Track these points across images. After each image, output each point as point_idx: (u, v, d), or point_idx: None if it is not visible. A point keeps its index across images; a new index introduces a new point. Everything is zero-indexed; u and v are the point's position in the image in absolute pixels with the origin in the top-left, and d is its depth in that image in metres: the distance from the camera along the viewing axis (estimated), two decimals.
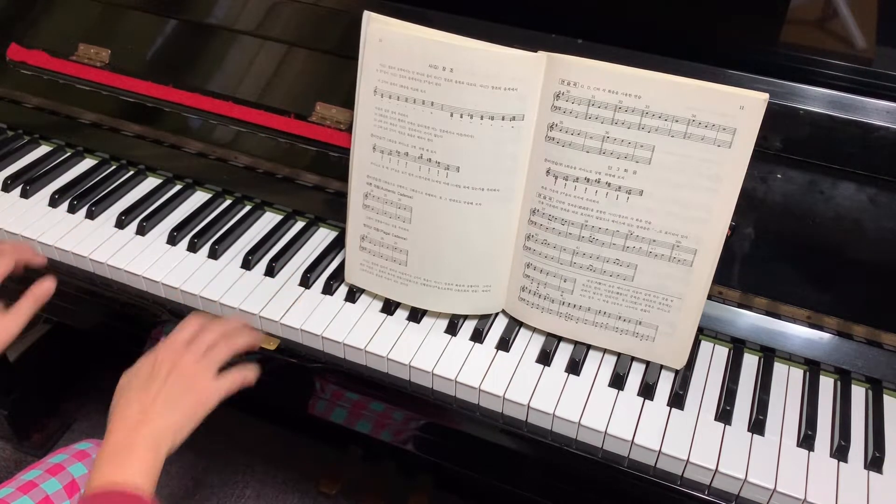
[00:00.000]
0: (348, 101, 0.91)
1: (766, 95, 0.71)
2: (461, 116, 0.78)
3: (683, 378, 0.83)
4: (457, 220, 0.83)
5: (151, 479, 0.71)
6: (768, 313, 0.86)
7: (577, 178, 0.79)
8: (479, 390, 0.82)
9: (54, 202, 1.05)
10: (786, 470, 0.76)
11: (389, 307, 0.91)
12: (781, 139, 0.82)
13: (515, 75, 0.77)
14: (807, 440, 0.78)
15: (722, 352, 0.88)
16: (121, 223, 1.02)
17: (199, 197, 1.08)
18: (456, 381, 0.83)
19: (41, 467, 0.89)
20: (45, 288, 0.86)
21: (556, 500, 0.88)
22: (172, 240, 1.00)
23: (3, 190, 1.08)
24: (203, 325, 0.82)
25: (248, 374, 0.80)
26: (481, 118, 0.78)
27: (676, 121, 0.74)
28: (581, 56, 0.76)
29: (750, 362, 0.87)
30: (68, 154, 1.14)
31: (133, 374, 0.78)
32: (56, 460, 0.87)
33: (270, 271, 0.95)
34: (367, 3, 0.86)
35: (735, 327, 0.87)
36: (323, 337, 0.87)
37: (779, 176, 0.83)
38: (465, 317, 0.89)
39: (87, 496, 0.69)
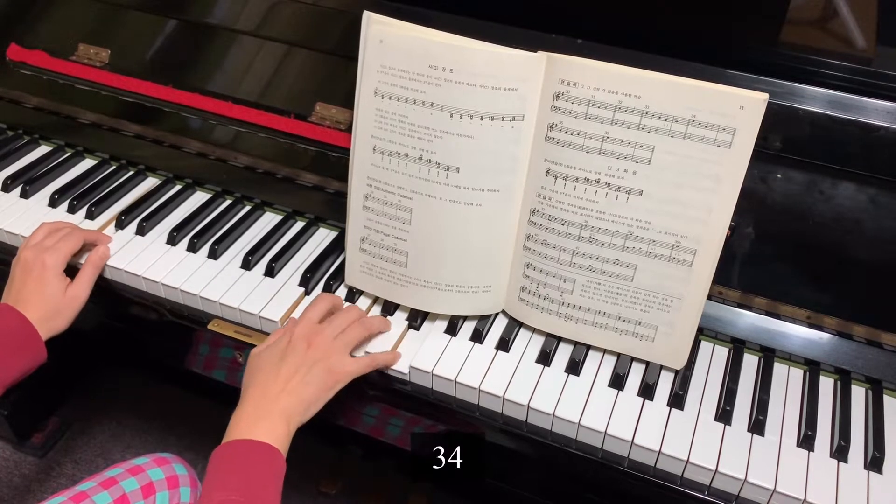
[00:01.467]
0: (348, 101, 0.91)
1: (766, 95, 0.71)
2: (461, 117, 0.78)
3: (683, 378, 0.83)
4: (457, 221, 0.83)
5: (282, 448, 0.75)
6: (768, 313, 0.86)
7: (577, 179, 0.79)
8: (479, 390, 0.82)
9: (54, 202, 1.05)
10: (786, 470, 0.76)
11: (389, 307, 0.91)
12: (781, 139, 0.82)
13: (515, 75, 0.77)
14: (807, 440, 0.78)
15: (722, 352, 0.88)
16: (120, 223, 1.02)
17: (199, 197, 1.08)
18: (456, 382, 0.83)
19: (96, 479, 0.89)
20: (101, 253, 0.95)
21: (556, 501, 0.88)
22: (172, 240, 1.00)
23: (3, 190, 1.08)
24: (335, 305, 0.86)
25: (381, 359, 0.84)
26: (481, 119, 0.78)
27: (676, 121, 0.74)
28: (581, 56, 0.76)
29: (750, 362, 0.87)
30: (68, 154, 1.14)
31: (268, 350, 0.81)
32: (83, 488, 0.87)
33: (270, 271, 0.95)
34: (367, 3, 0.86)
35: (735, 327, 0.87)
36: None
37: (779, 176, 0.83)
38: (465, 317, 0.89)
39: (222, 446, 0.73)
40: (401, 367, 0.85)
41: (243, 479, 0.71)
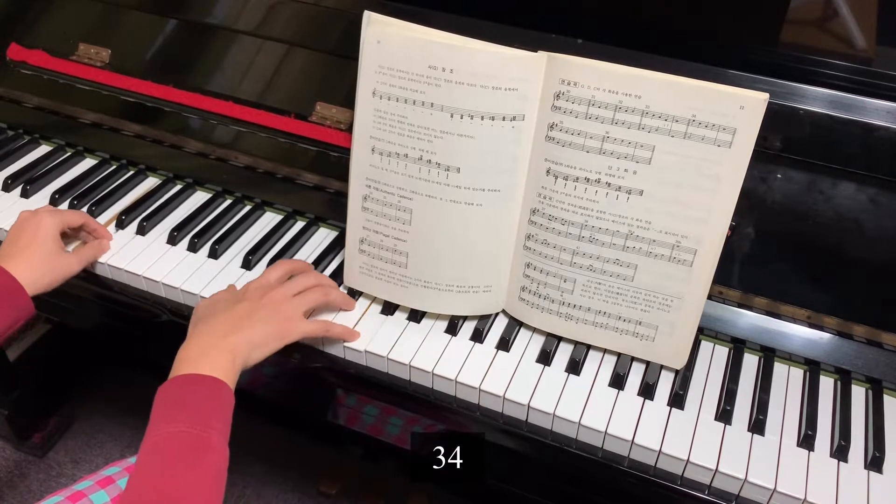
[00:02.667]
0: (348, 101, 0.91)
1: (766, 95, 0.71)
2: (461, 117, 0.78)
3: (683, 378, 0.83)
4: (457, 221, 0.83)
5: (228, 381, 0.74)
6: (768, 313, 0.86)
7: (578, 178, 0.79)
8: (480, 390, 0.82)
9: (54, 202, 1.05)
10: (786, 470, 0.76)
11: (389, 307, 0.91)
12: (781, 139, 0.82)
13: (516, 75, 0.77)
14: (807, 440, 0.78)
15: (722, 352, 0.88)
16: (121, 223, 1.02)
17: (200, 197, 1.08)
18: (456, 381, 0.83)
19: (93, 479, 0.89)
20: (105, 243, 0.97)
21: (556, 500, 0.88)
22: (173, 240, 1.00)
23: (3, 190, 1.08)
24: (295, 269, 0.88)
25: (332, 328, 0.84)
26: (481, 119, 0.78)
27: (676, 121, 0.74)
28: (581, 56, 0.76)
29: (750, 362, 0.87)
30: (68, 154, 1.14)
31: (221, 296, 0.83)
32: (80, 487, 0.87)
33: None
34: (368, 3, 0.86)
35: (735, 327, 0.87)
36: (323, 337, 0.87)
37: (779, 176, 0.83)
38: (465, 317, 0.89)
39: (166, 382, 0.73)
40: (401, 367, 0.85)
41: (189, 411, 0.71)
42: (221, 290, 0.86)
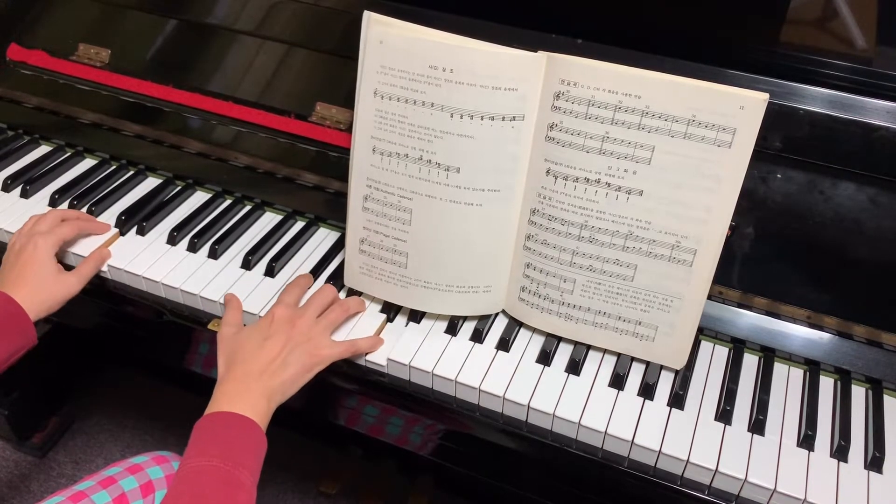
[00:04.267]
0: (348, 101, 0.91)
1: (766, 95, 0.71)
2: (461, 117, 0.78)
3: (683, 378, 0.83)
4: (457, 222, 0.83)
5: (262, 424, 0.76)
6: (768, 313, 0.86)
7: (577, 178, 0.79)
8: (479, 390, 0.82)
9: (54, 202, 1.05)
10: (786, 470, 0.76)
11: (389, 307, 0.91)
12: (781, 139, 0.82)
13: (515, 75, 0.77)
14: (807, 440, 0.78)
15: (722, 352, 0.88)
16: (121, 223, 1.02)
17: (199, 197, 1.08)
18: (456, 382, 0.83)
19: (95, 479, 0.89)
20: (105, 253, 0.95)
21: (556, 501, 0.88)
22: (172, 240, 1.00)
23: (3, 190, 1.08)
24: (306, 287, 0.90)
25: (361, 345, 0.85)
26: (482, 119, 0.78)
27: (676, 121, 0.74)
28: (581, 56, 0.76)
29: (750, 362, 0.87)
30: (68, 154, 1.14)
31: (251, 329, 0.83)
32: (82, 487, 0.87)
33: (270, 271, 0.95)
34: (367, 3, 0.86)
35: (735, 327, 0.87)
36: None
37: (779, 176, 0.83)
38: (465, 317, 0.89)
39: (203, 417, 0.74)
40: (401, 368, 0.85)
41: (223, 447, 0.72)
42: (250, 326, 0.84)
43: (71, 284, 0.90)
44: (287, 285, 0.90)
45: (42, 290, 0.87)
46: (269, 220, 1.05)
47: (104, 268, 0.96)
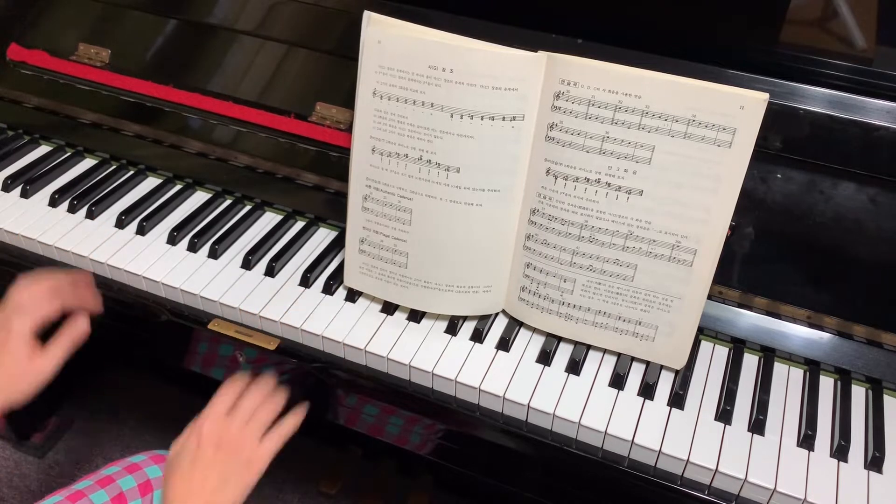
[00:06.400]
0: (348, 101, 0.91)
1: (766, 95, 0.71)
2: (461, 117, 0.78)
3: (683, 378, 0.83)
4: (457, 221, 0.83)
5: None
6: (768, 313, 0.86)
7: (577, 178, 0.79)
8: (479, 390, 0.82)
9: (54, 202, 1.05)
10: (786, 470, 0.76)
11: (389, 307, 0.91)
12: (781, 139, 0.82)
13: (515, 75, 0.77)
14: (807, 440, 0.78)
15: (722, 352, 0.88)
16: (121, 223, 1.02)
17: (199, 197, 1.08)
18: (456, 381, 0.83)
19: (93, 478, 0.88)
20: (80, 329, 0.84)
21: (555, 501, 0.88)
22: (172, 240, 1.00)
23: (3, 190, 1.08)
24: (238, 390, 0.81)
25: (288, 427, 0.81)
26: (481, 119, 0.78)
27: (676, 121, 0.74)
28: (581, 56, 0.76)
29: (750, 362, 0.87)
30: (68, 154, 1.14)
31: (180, 453, 0.77)
32: (80, 487, 0.86)
33: (270, 271, 0.95)
34: (368, 3, 0.86)
35: (735, 327, 0.87)
36: (323, 337, 0.87)
37: (779, 176, 0.83)
38: (465, 317, 0.89)
39: None
40: (401, 367, 0.85)
41: None
42: (185, 433, 0.79)
43: (44, 369, 0.80)
44: (221, 387, 0.82)
45: (12, 380, 0.79)
46: (270, 219, 1.05)
47: (104, 268, 0.96)
